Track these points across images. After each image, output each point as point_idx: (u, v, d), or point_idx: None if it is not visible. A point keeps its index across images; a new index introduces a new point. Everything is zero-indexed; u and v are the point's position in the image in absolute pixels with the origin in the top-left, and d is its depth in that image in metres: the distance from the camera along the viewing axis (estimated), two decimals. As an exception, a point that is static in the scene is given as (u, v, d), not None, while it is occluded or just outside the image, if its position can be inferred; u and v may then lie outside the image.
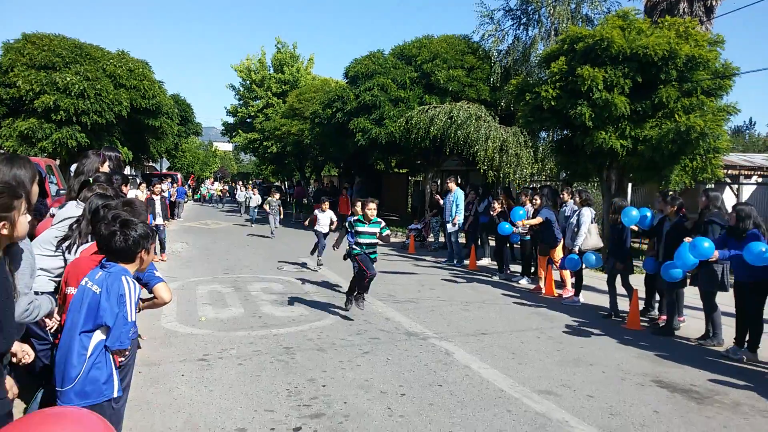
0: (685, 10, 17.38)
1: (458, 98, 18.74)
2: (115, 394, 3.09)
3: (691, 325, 8.02)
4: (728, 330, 7.18)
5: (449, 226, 13.83)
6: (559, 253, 10.32)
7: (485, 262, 14.16)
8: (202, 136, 55.62)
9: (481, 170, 17.42)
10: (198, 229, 22.15)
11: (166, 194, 16.67)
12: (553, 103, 12.27)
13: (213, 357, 6.16)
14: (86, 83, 18.04)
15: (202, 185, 41.37)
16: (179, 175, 37.29)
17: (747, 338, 6.69)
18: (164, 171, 40.89)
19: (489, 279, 11.95)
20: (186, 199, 31.48)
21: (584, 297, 9.79)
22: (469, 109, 17.36)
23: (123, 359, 3.37)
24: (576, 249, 9.45)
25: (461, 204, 13.71)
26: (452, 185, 13.95)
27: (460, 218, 13.66)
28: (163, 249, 13.50)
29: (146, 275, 3.50)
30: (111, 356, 3.10)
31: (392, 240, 19.18)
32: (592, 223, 9.72)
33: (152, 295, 3.53)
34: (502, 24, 19.71)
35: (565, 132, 13.94)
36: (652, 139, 11.65)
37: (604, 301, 9.43)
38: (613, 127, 12.07)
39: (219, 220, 26.87)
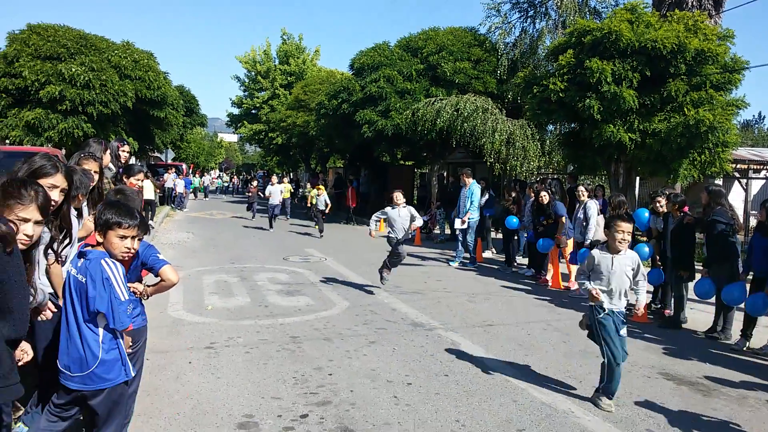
0: (694, 3, 17.22)
1: (465, 90, 18.65)
2: (133, 373, 3.20)
3: (699, 318, 8.01)
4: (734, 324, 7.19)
5: (457, 222, 12.73)
6: (570, 247, 10.31)
7: (489, 254, 14.12)
8: (207, 128, 55.62)
9: (488, 163, 17.37)
10: (202, 219, 22.19)
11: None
12: (561, 96, 12.24)
13: (220, 345, 6.18)
14: (91, 74, 18.03)
15: (195, 176, 39.36)
16: (184, 166, 37.27)
17: None
18: (169, 161, 40.91)
19: (495, 271, 11.94)
20: (191, 190, 31.47)
21: (590, 290, 9.76)
22: (476, 102, 17.29)
23: (131, 349, 3.39)
24: (587, 243, 9.42)
25: (476, 200, 12.68)
26: (468, 179, 12.82)
27: (472, 215, 12.58)
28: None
29: (150, 259, 3.51)
30: (120, 339, 3.13)
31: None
32: (599, 215, 9.72)
33: (159, 279, 3.54)
34: (509, 16, 19.60)
35: (572, 125, 13.90)
36: (661, 133, 11.62)
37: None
38: (621, 120, 12.05)
39: (224, 211, 26.91)
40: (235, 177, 60.71)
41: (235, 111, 44.85)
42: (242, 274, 10.41)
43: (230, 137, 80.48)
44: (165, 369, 5.37)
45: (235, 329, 6.82)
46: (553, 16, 18.73)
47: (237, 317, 7.39)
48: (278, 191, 18.92)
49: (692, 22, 12.15)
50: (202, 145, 58.15)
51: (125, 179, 6.21)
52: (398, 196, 9.43)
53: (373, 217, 10.02)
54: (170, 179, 26.87)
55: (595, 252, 5.06)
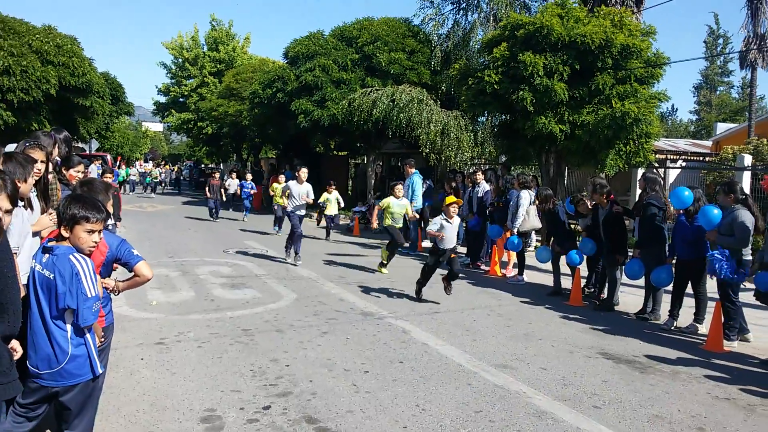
0: (617, 0, 18.03)
1: (400, 81, 18.84)
2: (100, 370, 3.16)
3: (629, 300, 8.50)
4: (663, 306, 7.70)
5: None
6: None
7: (428, 243, 14.36)
8: (133, 116, 53.58)
9: (423, 153, 17.64)
10: (132, 212, 21.48)
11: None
12: (495, 88, 12.58)
13: (171, 340, 6.09)
14: (11, 59, 17.11)
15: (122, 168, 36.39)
16: (109, 157, 35.77)
17: (694, 312, 7.24)
18: (93, 152, 39.20)
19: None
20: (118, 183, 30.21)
21: (527, 276, 10.18)
22: (412, 93, 17.51)
23: (102, 341, 3.35)
24: (515, 231, 9.82)
25: (418, 189, 12.87)
26: (410, 169, 12.99)
27: (416, 204, 12.55)
28: None
29: (125, 255, 3.48)
30: (89, 334, 3.10)
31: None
32: (531, 205, 10.07)
33: (132, 275, 3.52)
34: (441, 8, 19.96)
35: (506, 116, 14.32)
36: (589, 125, 12.16)
37: (545, 279, 9.86)
38: (552, 112, 12.50)
39: (155, 203, 26.13)
40: (172, 167, 56.87)
41: (162, 99, 43.39)
42: (183, 268, 10.22)
43: (155, 126, 77.75)
44: (117, 366, 5.25)
45: (184, 324, 6.73)
46: (485, 9, 19.15)
47: (184, 312, 7.28)
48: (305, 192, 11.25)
49: (618, 17, 12.74)
50: (126, 134, 55.98)
51: (64, 171, 5.99)
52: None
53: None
54: (93, 171, 25.80)
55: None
